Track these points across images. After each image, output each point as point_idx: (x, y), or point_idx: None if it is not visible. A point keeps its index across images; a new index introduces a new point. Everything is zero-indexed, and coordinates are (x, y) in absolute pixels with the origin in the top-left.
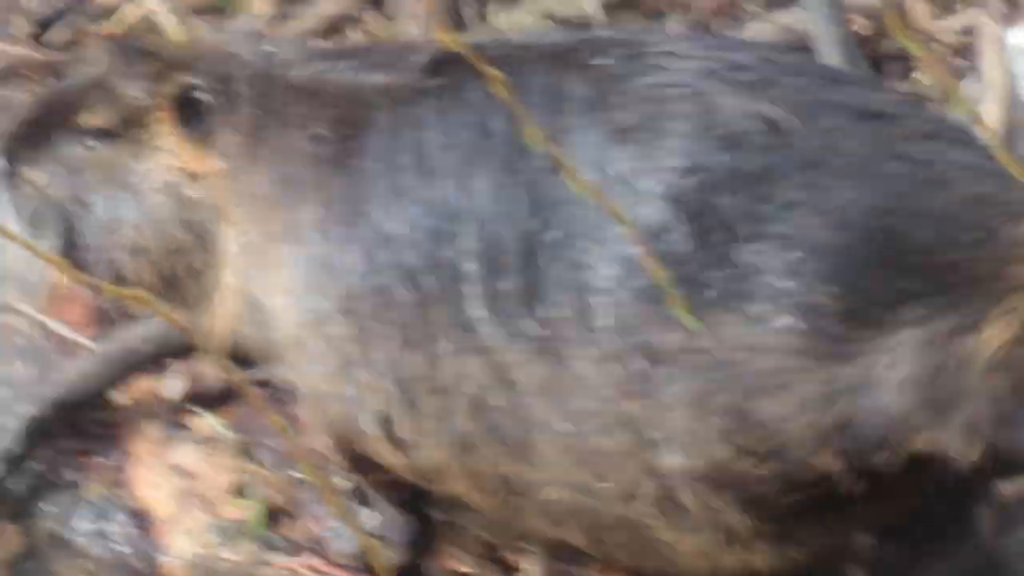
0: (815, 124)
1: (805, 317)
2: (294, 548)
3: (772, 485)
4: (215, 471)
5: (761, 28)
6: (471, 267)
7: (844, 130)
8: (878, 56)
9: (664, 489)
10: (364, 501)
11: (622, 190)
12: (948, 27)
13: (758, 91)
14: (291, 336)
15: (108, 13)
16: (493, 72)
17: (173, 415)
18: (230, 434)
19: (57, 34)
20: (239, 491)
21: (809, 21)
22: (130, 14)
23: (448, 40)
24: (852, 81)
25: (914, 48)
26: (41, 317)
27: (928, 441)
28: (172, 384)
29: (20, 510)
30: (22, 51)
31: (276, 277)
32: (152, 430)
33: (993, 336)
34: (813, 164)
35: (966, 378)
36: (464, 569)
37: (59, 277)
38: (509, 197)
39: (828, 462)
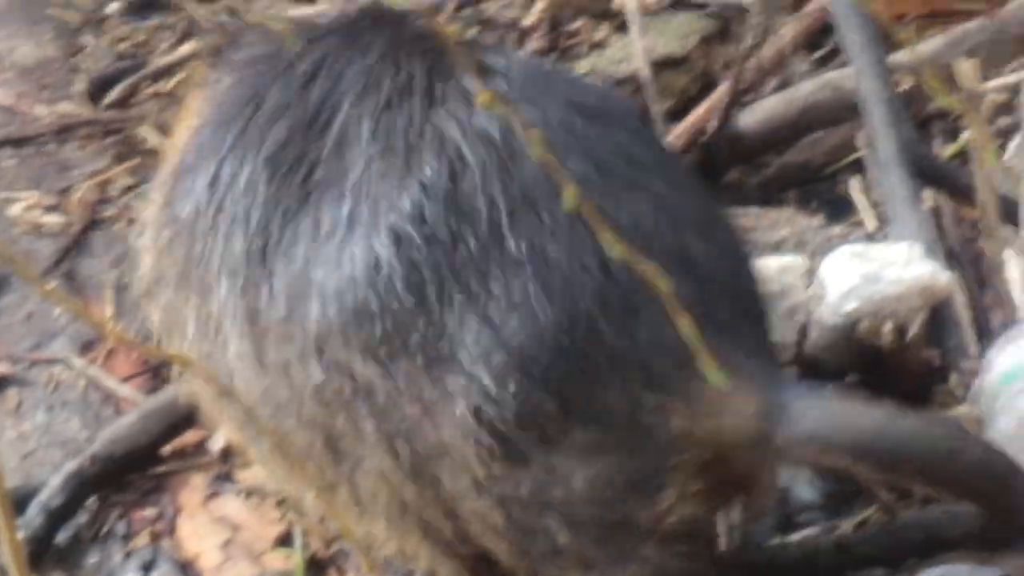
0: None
1: (480, 412)
2: None
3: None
4: (260, 522)
5: (810, 86)
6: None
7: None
8: (924, 116)
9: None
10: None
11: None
12: (994, 87)
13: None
14: None
15: (165, 72)
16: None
17: (219, 467)
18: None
19: (115, 94)
20: (283, 541)
21: (857, 80)
22: (188, 74)
23: None
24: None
25: (953, 103)
26: (93, 371)
27: None
28: (218, 437)
29: (67, 562)
30: (80, 110)
31: None
32: (198, 483)
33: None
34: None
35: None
36: None
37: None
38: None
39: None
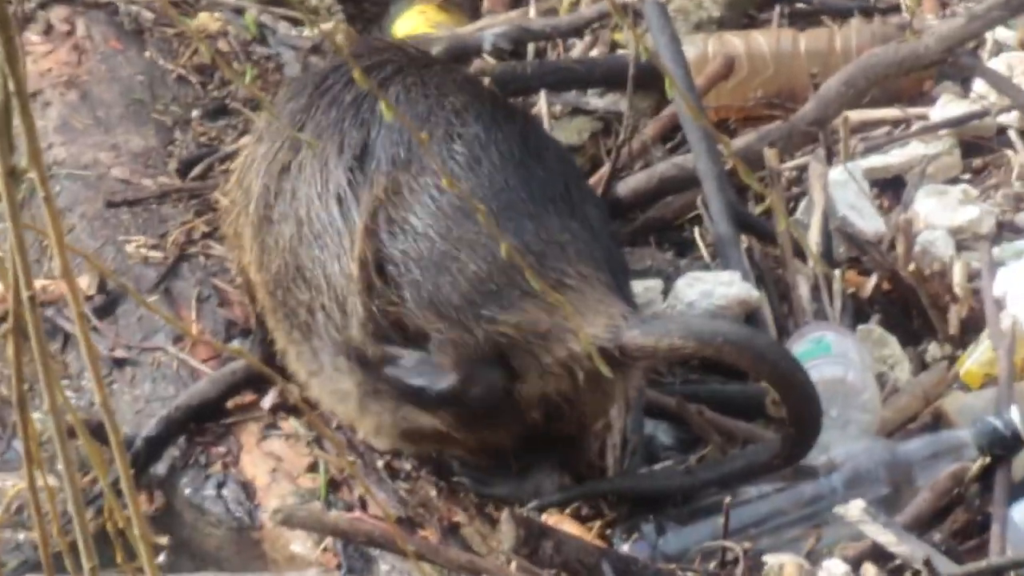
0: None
1: None
2: (346, 507)
3: None
4: (296, 456)
5: (664, 166)
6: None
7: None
8: (744, 185)
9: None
10: (394, 475)
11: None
12: (788, 167)
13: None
14: None
15: (230, 156)
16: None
17: (269, 418)
18: (306, 431)
19: (196, 171)
20: (312, 468)
21: (696, 161)
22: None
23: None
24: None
25: (753, 183)
26: (181, 355)
27: None
28: (267, 398)
29: (164, 481)
30: (173, 182)
31: None
32: (254, 429)
33: None
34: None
35: None
36: (458, 519)
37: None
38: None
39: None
